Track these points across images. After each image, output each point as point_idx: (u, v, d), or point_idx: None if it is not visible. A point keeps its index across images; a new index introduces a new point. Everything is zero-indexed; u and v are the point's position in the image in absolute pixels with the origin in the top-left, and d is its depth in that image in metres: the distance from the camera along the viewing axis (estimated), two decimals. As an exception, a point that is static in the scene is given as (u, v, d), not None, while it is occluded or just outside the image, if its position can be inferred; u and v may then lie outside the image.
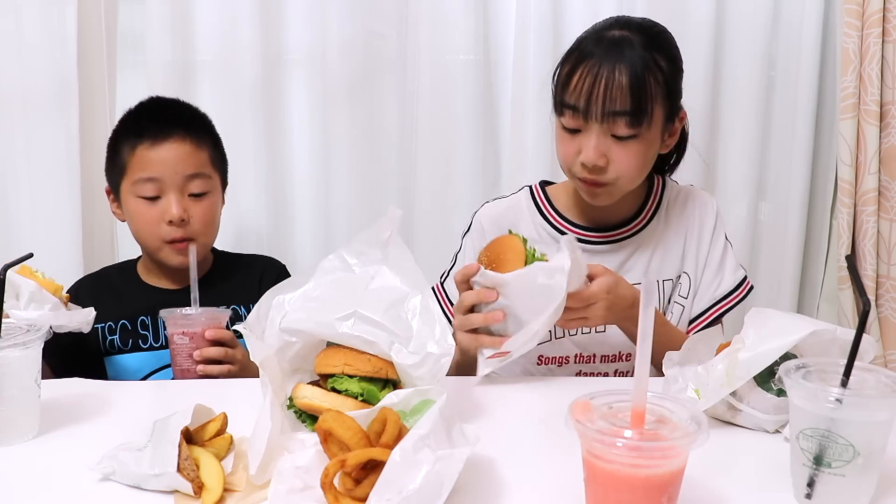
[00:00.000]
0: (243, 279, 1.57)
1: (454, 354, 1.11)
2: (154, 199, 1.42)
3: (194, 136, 1.45)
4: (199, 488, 0.79)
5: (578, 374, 1.38)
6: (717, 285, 1.40)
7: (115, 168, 1.47)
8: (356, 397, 0.92)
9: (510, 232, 1.22)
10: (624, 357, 1.38)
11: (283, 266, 1.65)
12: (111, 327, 1.47)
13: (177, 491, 0.80)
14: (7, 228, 1.92)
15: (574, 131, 1.26)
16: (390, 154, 2.01)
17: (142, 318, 1.48)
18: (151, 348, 1.47)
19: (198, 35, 1.91)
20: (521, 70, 1.94)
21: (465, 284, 1.17)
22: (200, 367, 1.26)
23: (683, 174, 2.00)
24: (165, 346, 1.43)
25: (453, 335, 1.09)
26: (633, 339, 1.29)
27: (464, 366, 1.22)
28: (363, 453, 0.74)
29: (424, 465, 0.72)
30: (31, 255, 1.10)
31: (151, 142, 1.41)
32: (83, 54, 1.85)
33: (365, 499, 0.70)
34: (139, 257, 1.59)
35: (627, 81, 1.20)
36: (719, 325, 1.41)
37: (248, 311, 1.36)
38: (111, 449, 0.86)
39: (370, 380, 0.94)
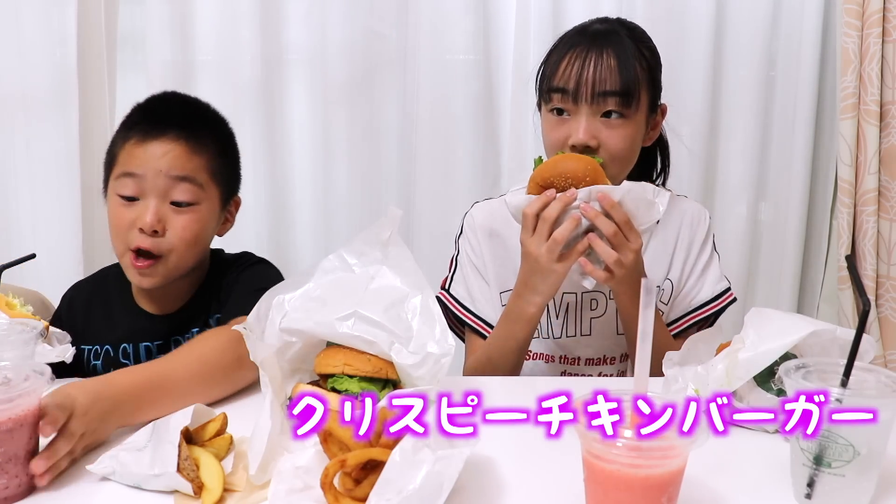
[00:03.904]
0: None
1: (466, 354, 1.09)
2: (132, 200, 1.22)
3: (193, 138, 1.24)
4: (199, 488, 0.79)
5: (563, 373, 1.39)
6: (695, 295, 1.39)
7: (107, 164, 1.29)
8: (356, 397, 0.92)
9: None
10: (608, 360, 1.38)
11: (259, 260, 1.43)
12: (97, 351, 1.34)
13: (177, 491, 0.80)
14: (7, 228, 1.92)
15: (562, 113, 1.26)
16: (390, 154, 2.01)
17: (124, 345, 1.32)
18: None
19: (198, 35, 1.92)
20: (521, 70, 1.94)
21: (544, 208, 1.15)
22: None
23: (683, 174, 2.01)
24: None
25: (542, 264, 1.14)
26: (624, 313, 1.29)
27: (500, 364, 1.24)
28: (363, 453, 0.74)
29: (424, 465, 0.72)
30: (33, 256, 1.08)
31: (142, 136, 1.22)
32: (83, 54, 1.86)
33: (365, 499, 0.70)
34: None
35: (616, 63, 1.23)
36: (719, 325, 1.41)
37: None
38: (111, 449, 0.86)
39: (370, 380, 0.94)
